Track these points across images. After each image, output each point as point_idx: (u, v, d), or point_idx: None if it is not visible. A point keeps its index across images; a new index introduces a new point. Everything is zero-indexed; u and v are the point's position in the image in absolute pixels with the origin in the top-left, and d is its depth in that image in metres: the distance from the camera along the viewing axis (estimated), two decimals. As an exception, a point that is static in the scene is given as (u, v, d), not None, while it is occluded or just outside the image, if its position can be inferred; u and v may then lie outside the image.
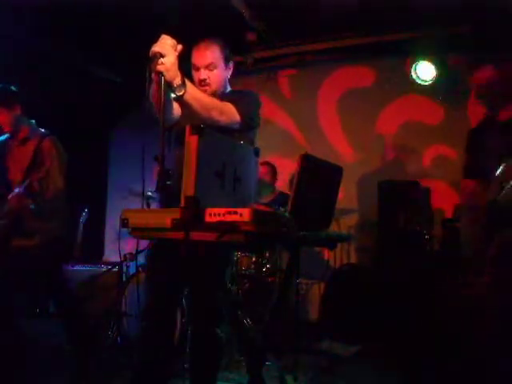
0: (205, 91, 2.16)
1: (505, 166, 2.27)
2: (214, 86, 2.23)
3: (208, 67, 2.23)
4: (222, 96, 2.23)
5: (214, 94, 2.20)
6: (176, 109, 2.13)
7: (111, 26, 4.34)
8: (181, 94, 1.89)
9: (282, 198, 4.12)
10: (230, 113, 2.08)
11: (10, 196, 3.02)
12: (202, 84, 2.20)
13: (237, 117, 2.10)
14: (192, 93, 1.94)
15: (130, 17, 4.13)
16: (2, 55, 4.15)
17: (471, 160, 2.58)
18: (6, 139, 3.25)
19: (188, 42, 2.43)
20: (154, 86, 1.91)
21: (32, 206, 3.04)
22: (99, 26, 4.31)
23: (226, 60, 2.33)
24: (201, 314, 2.17)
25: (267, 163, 4.61)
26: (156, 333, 2.08)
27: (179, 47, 1.87)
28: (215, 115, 2.00)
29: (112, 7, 3.94)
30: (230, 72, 2.35)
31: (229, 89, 2.37)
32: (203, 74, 2.22)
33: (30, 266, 3.08)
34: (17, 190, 3.02)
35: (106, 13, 4.04)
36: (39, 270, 3.16)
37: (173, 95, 1.91)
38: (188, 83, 1.91)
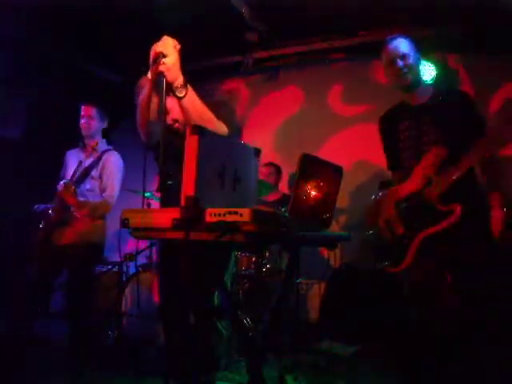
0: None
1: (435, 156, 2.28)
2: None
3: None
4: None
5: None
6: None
7: (111, 26, 4.34)
8: (182, 95, 1.89)
9: (286, 199, 4.11)
10: (221, 127, 2.08)
11: None
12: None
13: (226, 131, 2.11)
14: (192, 99, 1.94)
15: (130, 17, 4.14)
16: (2, 55, 4.16)
17: (387, 149, 2.67)
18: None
19: (188, 42, 2.45)
20: (145, 92, 1.91)
21: None
22: (99, 25, 4.31)
23: None
24: (200, 310, 2.19)
25: (272, 164, 4.61)
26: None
27: (179, 47, 1.88)
28: (209, 127, 2.01)
29: (112, 7, 3.94)
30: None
31: None
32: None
33: None
34: None
35: (105, 13, 4.04)
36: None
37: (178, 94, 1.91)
38: (190, 88, 1.91)
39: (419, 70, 2.43)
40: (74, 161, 3.46)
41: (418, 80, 2.43)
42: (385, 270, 2.45)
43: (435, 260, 2.35)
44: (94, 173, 3.39)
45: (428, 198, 2.29)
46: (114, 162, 3.46)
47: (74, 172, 3.35)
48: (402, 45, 2.42)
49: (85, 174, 3.36)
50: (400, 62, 2.38)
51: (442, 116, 2.35)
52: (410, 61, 2.38)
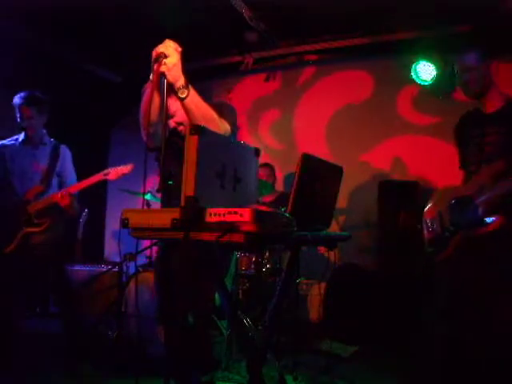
0: None
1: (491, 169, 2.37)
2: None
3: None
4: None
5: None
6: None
7: (111, 26, 4.35)
8: (184, 96, 1.90)
9: (283, 198, 4.11)
10: (224, 127, 2.10)
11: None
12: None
13: (229, 129, 2.13)
14: (194, 99, 1.95)
15: (130, 17, 4.14)
16: (2, 55, 4.16)
17: (460, 153, 2.70)
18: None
19: (188, 42, 2.45)
20: (147, 94, 1.92)
21: None
22: (99, 25, 4.31)
23: None
24: (200, 310, 2.19)
25: (267, 164, 4.61)
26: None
27: (180, 49, 1.89)
28: (212, 127, 2.01)
29: (112, 7, 3.95)
30: None
31: None
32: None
33: None
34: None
35: (106, 13, 4.05)
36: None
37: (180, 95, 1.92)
38: (191, 89, 1.92)
39: (487, 81, 2.50)
40: (17, 156, 3.35)
41: (485, 89, 2.50)
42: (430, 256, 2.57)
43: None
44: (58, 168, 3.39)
45: (474, 202, 2.36)
46: (69, 155, 3.48)
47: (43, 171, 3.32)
48: (470, 57, 2.52)
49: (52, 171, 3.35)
50: (466, 76, 2.50)
51: (507, 128, 2.41)
52: (476, 74, 2.48)
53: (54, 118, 3.50)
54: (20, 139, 3.37)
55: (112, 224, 6.05)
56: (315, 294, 4.38)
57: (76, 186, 3.26)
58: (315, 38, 4.81)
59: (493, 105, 2.50)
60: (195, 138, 1.53)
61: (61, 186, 3.38)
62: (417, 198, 4.33)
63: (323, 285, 4.30)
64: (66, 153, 3.47)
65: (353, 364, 3.55)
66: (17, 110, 3.28)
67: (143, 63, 2.20)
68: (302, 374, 3.14)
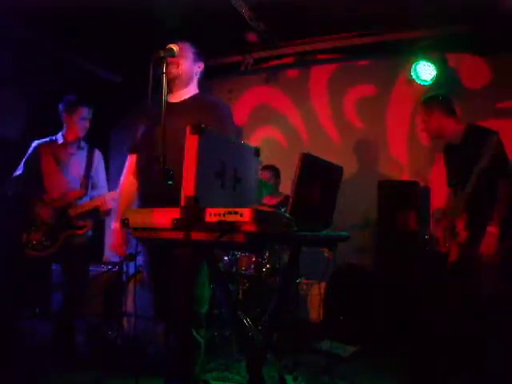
0: (169, 73, 2.20)
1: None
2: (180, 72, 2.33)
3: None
4: (192, 100, 2.32)
5: (178, 80, 2.32)
6: None
7: (111, 26, 4.34)
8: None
9: (288, 202, 4.10)
10: None
11: None
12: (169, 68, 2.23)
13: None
14: None
15: (130, 17, 4.13)
16: (2, 55, 4.15)
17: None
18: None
19: (188, 42, 2.46)
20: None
21: None
22: (99, 25, 4.30)
23: (196, 56, 2.43)
24: (175, 315, 2.18)
25: (270, 167, 4.58)
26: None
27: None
28: None
29: (112, 7, 3.94)
30: (199, 71, 2.44)
31: (196, 91, 2.43)
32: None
33: None
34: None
35: (106, 13, 4.04)
36: None
37: None
38: None
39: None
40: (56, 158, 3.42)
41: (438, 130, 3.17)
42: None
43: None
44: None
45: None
46: (102, 159, 3.63)
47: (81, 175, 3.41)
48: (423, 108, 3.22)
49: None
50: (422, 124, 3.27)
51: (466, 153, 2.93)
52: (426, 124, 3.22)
53: (54, 118, 3.50)
54: (60, 141, 3.42)
55: (112, 224, 6.03)
56: (315, 293, 4.38)
57: (113, 193, 3.33)
58: (315, 37, 4.81)
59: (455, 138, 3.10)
60: (195, 137, 1.53)
61: (92, 188, 3.46)
62: (416, 198, 4.33)
63: (323, 285, 4.30)
64: (99, 157, 3.58)
65: (353, 364, 3.55)
66: (71, 111, 3.37)
67: (143, 63, 2.21)
68: (301, 374, 3.14)
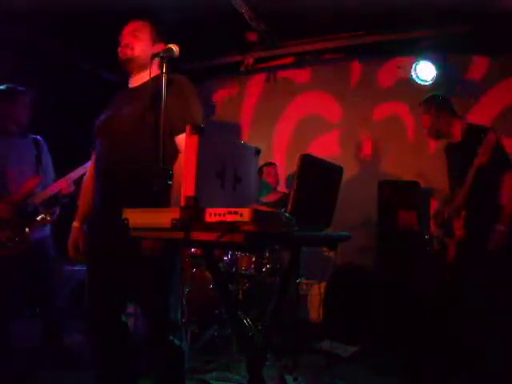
0: (125, 55, 2.18)
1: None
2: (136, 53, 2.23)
3: (132, 33, 2.29)
4: (151, 83, 2.06)
5: (133, 63, 2.23)
6: None
7: (111, 26, 4.33)
8: None
9: (286, 199, 4.10)
10: None
11: None
12: (124, 48, 2.21)
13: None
14: None
15: (131, 17, 4.13)
16: (2, 55, 4.15)
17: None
18: None
19: (188, 42, 2.46)
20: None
21: None
22: (99, 25, 4.30)
23: (155, 37, 2.33)
24: (150, 321, 2.18)
25: (273, 164, 4.61)
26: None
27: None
28: None
29: (112, 7, 3.94)
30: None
31: (157, 72, 2.13)
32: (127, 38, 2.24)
33: None
34: None
35: (106, 12, 4.04)
36: None
37: None
38: None
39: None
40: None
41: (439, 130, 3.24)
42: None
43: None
44: None
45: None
46: (45, 145, 3.49)
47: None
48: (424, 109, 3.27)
49: None
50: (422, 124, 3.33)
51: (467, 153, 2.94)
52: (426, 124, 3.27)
53: (54, 118, 3.50)
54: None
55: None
56: (315, 294, 4.39)
57: (74, 174, 3.23)
58: (315, 38, 4.81)
59: (456, 137, 3.17)
60: (195, 137, 1.53)
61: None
62: (417, 198, 4.33)
63: (323, 285, 4.30)
64: (43, 143, 3.44)
65: (353, 364, 3.55)
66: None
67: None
68: (301, 374, 3.14)
